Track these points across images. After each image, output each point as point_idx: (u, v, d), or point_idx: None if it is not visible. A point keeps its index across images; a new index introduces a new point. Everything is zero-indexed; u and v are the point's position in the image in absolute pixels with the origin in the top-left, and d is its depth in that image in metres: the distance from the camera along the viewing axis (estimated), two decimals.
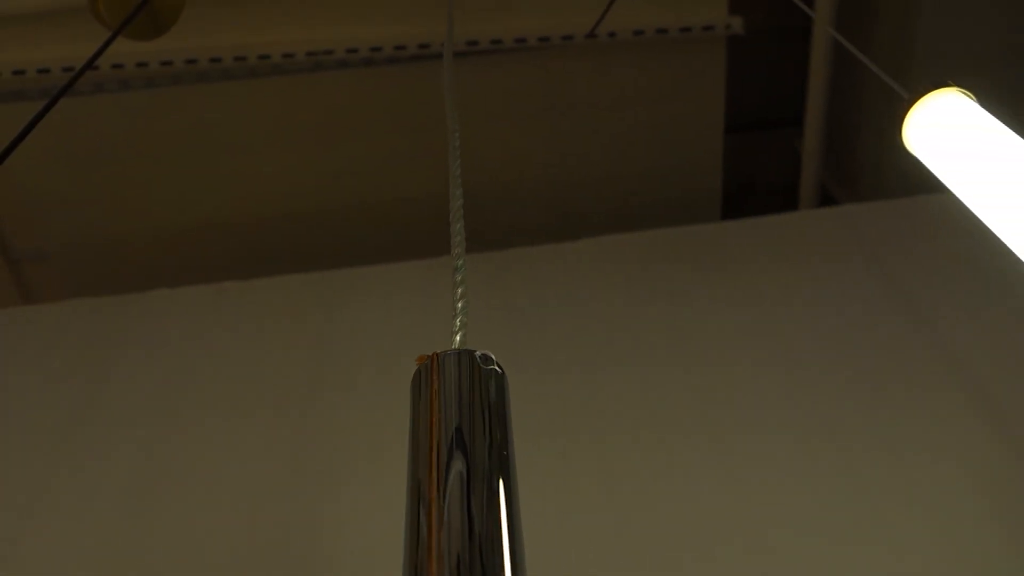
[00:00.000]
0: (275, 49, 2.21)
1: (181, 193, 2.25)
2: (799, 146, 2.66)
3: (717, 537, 1.26)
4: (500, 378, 0.45)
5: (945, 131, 0.61)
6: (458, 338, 0.48)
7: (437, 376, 0.43)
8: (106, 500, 1.41)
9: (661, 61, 2.39)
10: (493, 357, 0.45)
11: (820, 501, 1.30)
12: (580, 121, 2.38)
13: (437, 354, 0.44)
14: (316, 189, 2.28)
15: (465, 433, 0.41)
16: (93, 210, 2.35)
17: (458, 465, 0.40)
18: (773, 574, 1.22)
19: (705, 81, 2.44)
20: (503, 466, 0.41)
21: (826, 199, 2.75)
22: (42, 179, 2.33)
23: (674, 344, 1.57)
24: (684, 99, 2.45)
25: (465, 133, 2.25)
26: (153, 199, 2.28)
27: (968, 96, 0.63)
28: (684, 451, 1.37)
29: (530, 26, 2.28)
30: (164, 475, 1.48)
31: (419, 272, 1.78)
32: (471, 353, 0.44)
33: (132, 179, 2.26)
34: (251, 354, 1.68)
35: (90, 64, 1.05)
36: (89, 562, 1.33)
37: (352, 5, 2.12)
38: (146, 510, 1.40)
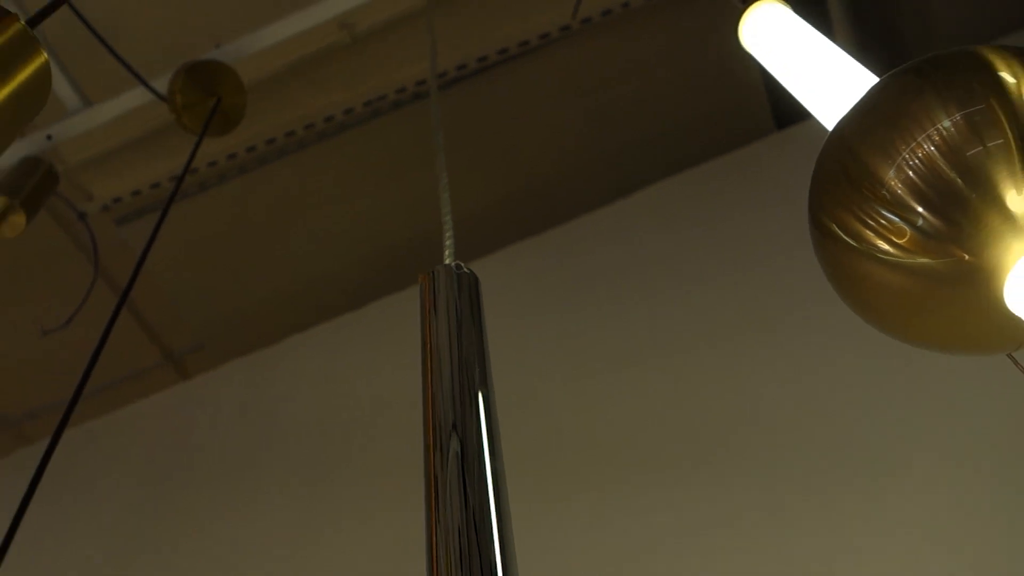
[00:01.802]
0: (336, 109, 2.58)
1: (290, 254, 2.65)
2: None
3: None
4: (473, 279, 0.74)
5: (770, 34, 0.87)
6: (447, 261, 0.77)
7: (430, 295, 0.72)
8: (278, 538, 1.78)
9: (678, 14, 2.63)
10: (463, 264, 0.74)
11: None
12: (616, 93, 2.64)
13: (431, 271, 0.74)
14: (402, 218, 2.63)
15: (456, 404, 0.59)
16: (224, 291, 2.77)
17: (455, 445, 0.56)
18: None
19: (726, 20, 2.66)
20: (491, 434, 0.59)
21: None
22: (178, 279, 2.76)
23: (728, 266, 1.83)
24: (711, 45, 2.67)
25: (509, 136, 2.57)
26: (269, 266, 2.68)
27: (786, 5, 0.89)
28: (745, 351, 1.63)
29: (548, 20, 2.56)
30: (340, 500, 1.82)
31: (499, 264, 2.10)
32: (450, 267, 0.74)
33: (248, 255, 2.67)
34: (385, 370, 2.02)
35: (190, 163, 1.41)
36: None
37: (382, 55, 2.46)
38: (322, 541, 1.75)
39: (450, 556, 0.50)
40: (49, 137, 1.93)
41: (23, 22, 0.58)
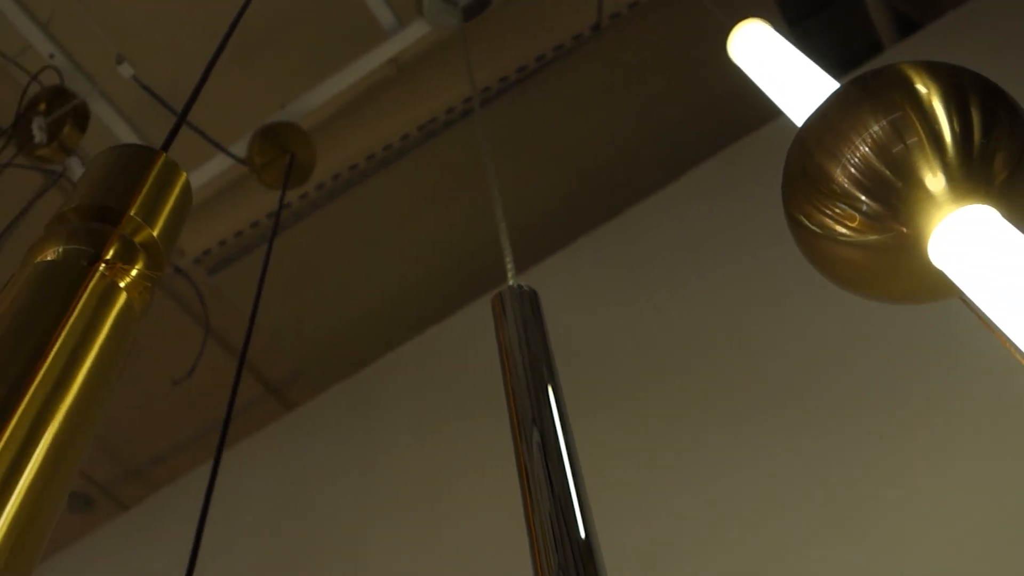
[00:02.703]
0: (393, 137, 2.80)
1: (369, 277, 2.89)
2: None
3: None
4: (533, 294, 0.93)
5: (756, 49, 1.04)
6: (510, 282, 0.97)
7: (500, 311, 0.92)
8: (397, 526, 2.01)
9: None
10: (524, 285, 0.93)
11: None
12: (654, 80, 2.81)
13: (499, 293, 0.93)
14: (469, 228, 2.84)
15: (533, 408, 0.75)
16: (312, 321, 3.02)
17: (536, 437, 0.71)
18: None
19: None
20: (564, 426, 0.73)
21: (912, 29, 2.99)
22: (269, 315, 3.02)
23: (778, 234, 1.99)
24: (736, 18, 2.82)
25: (559, 137, 2.77)
26: (352, 291, 2.92)
27: (767, 24, 1.06)
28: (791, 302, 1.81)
29: (577, 22, 2.74)
30: (456, 500, 2.04)
31: (565, 260, 2.29)
32: (514, 287, 0.93)
33: (330, 284, 2.92)
34: (476, 372, 2.22)
35: (278, 223, 1.63)
36: None
37: (427, 81, 2.67)
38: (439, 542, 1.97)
39: (546, 541, 0.62)
40: None
41: (164, 152, 0.79)
